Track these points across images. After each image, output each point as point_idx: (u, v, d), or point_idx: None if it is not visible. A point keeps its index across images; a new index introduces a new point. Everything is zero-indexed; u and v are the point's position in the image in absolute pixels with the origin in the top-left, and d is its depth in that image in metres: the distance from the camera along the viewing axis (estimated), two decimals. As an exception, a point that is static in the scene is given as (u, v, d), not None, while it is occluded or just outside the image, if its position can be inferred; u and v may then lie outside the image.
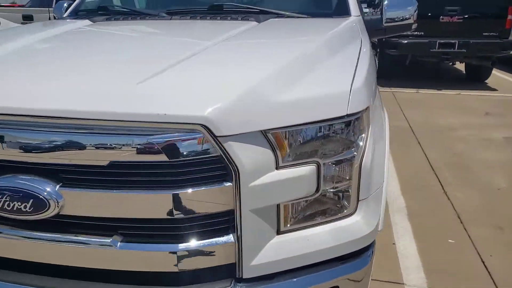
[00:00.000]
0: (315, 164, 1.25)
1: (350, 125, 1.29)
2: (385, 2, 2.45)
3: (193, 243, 1.18)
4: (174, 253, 1.17)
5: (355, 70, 1.44)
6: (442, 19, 7.40)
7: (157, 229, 1.18)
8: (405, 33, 7.28)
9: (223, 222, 1.19)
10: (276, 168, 1.20)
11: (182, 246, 1.17)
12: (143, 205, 1.14)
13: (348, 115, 1.26)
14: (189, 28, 1.96)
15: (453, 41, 7.33)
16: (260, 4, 2.25)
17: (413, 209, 3.18)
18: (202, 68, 1.28)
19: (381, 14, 2.45)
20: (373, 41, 8.73)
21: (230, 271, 1.22)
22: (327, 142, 1.27)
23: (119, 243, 1.17)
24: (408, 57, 7.92)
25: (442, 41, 7.37)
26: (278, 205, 1.24)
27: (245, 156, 1.13)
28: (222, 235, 1.20)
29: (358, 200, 1.37)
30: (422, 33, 7.48)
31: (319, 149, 1.26)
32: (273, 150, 1.19)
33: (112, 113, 1.07)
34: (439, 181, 3.69)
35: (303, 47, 1.58)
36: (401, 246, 2.72)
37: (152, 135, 1.09)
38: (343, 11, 2.28)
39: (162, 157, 1.09)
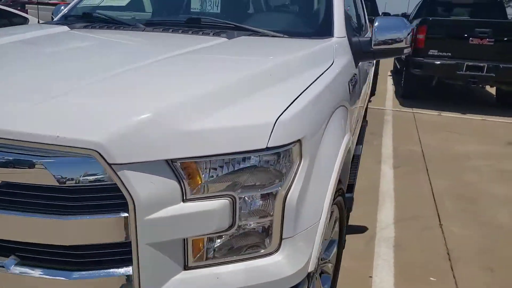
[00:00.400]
0: (229, 198, 1.17)
1: (272, 158, 1.21)
2: (376, 24, 2.32)
3: (89, 272, 1.13)
4: (69, 281, 1.12)
5: (296, 98, 1.35)
6: (472, 40, 7.07)
7: (52, 255, 1.13)
8: (431, 53, 7.10)
9: (121, 253, 1.13)
10: (183, 201, 1.13)
11: (76, 274, 1.12)
12: (37, 229, 1.10)
13: (269, 148, 1.18)
14: (148, 42, 1.93)
15: (481, 65, 6.99)
16: (238, 20, 2.19)
17: (401, 240, 3.01)
18: (115, 88, 1.23)
19: (371, 36, 2.33)
20: (402, 58, 8.48)
21: (130, 304, 1.16)
22: (244, 175, 1.19)
23: (12, 266, 1.13)
24: (434, 77, 7.63)
25: (470, 63, 7.05)
26: (185, 239, 1.17)
27: (143, 186, 1.07)
28: (121, 267, 1.14)
29: (281, 238, 1.27)
30: (449, 54, 7.19)
31: (235, 182, 1.18)
32: (180, 181, 1.12)
33: (6, 131, 1.04)
34: (438, 213, 3.48)
35: (251, 69, 1.51)
36: (378, 279, 2.56)
37: (46, 157, 1.05)
38: (325, 32, 2.18)
39: (54, 181, 1.05)
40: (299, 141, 1.27)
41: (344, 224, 2.17)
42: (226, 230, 1.19)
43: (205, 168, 1.15)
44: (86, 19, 2.36)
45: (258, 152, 1.17)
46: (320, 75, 1.65)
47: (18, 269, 1.13)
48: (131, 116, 1.07)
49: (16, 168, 1.06)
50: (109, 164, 1.04)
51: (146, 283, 1.14)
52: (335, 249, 2.11)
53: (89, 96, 1.16)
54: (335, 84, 1.74)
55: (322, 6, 2.38)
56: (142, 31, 2.10)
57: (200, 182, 1.15)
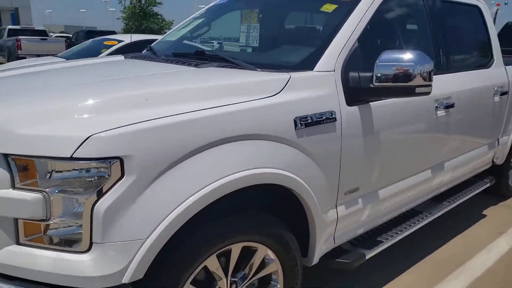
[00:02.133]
0: (42, 194, 1.43)
1: (79, 167, 1.41)
2: (380, 57, 2.06)
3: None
4: None
5: (141, 122, 1.48)
6: None
7: None
8: None
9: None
10: (13, 188, 1.45)
11: None
12: None
13: (74, 158, 1.39)
14: (131, 68, 2.35)
15: None
16: (232, 54, 2.33)
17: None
18: (13, 97, 1.70)
19: (373, 70, 2.08)
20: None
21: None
22: (56, 177, 1.42)
23: None
24: None
25: None
26: (16, 219, 1.48)
27: (-21, 169, 1.45)
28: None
29: (91, 242, 1.43)
30: None
31: (47, 182, 1.43)
32: (11, 172, 1.45)
33: None
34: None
35: (134, 91, 1.70)
36: None
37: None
38: (306, 65, 2.10)
39: None
40: (119, 158, 1.42)
41: (293, 271, 2.01)
42: (43, 220, 1.45)
43: (28, 165, 1.44)
44: (142, 51, 2.97)
45: (63, 160, 1.41)
46: (223, 105, 1.68)
47: None
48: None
49: None
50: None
51: (-17, 246, 1.50)
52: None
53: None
54: (245, 116, 1.72)
55: (319, 41, 2.29)
56: (156, 61, 2.50)
57: (27, 176, 1.45)
